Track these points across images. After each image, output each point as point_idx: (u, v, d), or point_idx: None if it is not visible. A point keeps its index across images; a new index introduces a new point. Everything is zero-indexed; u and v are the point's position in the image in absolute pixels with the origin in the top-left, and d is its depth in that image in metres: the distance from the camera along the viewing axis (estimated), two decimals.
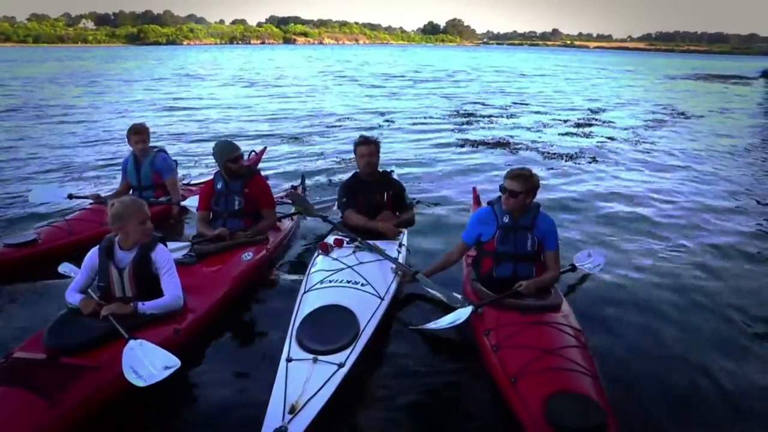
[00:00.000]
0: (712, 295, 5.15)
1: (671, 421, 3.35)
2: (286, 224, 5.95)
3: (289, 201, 6.27)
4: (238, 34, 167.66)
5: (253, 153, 8.44)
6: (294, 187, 7.26)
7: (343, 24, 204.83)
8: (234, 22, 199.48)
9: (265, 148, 9.30)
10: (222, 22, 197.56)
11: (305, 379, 3.10)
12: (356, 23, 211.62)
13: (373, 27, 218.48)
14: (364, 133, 5.44)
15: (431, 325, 3.99)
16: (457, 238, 4.67)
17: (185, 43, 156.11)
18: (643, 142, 14.04)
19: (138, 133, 6.33)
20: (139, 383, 3.01)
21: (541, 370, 3.20)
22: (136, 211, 3.69)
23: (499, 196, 4.26)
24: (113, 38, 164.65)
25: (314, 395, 2.98)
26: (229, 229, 5.08)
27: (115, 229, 3.70)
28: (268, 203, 5.42)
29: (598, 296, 5.08)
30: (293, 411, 2.84)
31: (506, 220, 4.22)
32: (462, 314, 3.87)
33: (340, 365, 3.24)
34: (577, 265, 5.23)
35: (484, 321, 3.82)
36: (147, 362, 3.12)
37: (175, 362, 3.15)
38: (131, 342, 3.25)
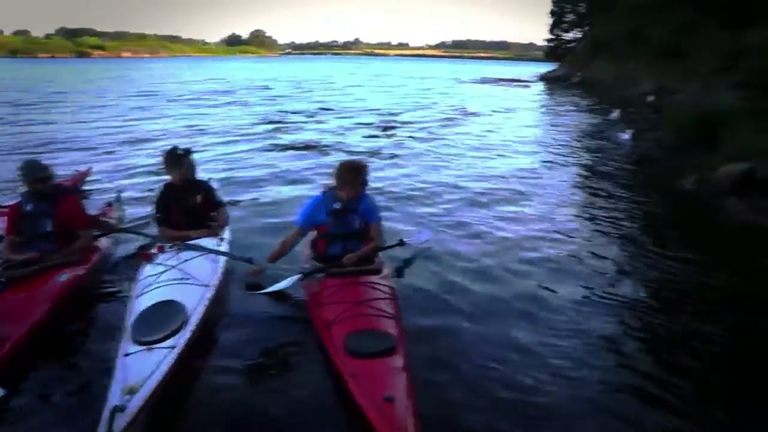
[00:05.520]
0: (515, 272, 6.04)
1: (454, 358, 4.22)
2: (104, 242, 5.80)
3: (107, 218, 6.29)
4: (21, 47, 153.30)
5: (77, 172, 8.07)
6: (109, 204, 7.12)
7: (142, 36, 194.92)
8: (16, 33, 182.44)
9: (90, 168, 8.94)
10: (0, 32, 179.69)
11: (141, 366, 3.31)
12: (155, 35, 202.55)
13: (174, 39, 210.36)
14: (177, 145, 5.57)
15: (266, 290, 4.68)
16: (276, 227, 5.88)
17: None
18: (438, 138, 15.44)
19: None
20: None
21: (350, 316, 3.94)
22: None
23: (331, 186, 4.93)
24: None
25: (150, 376, 3.20)
26: (40, 252, 4.89)
27: None
28: (81, 223, 5.31)
29: (423, 266, 5.92)
30: (131, 392, 2.98)
31: (337, 206, 4.87)
32: (291, 280, 4.63)
33: (172, 348, 3.51)
34: (405, 240, 5.83)
35: (314, 288, 4.63)
36: None
37: None
38: None
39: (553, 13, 63.95)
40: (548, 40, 66.64)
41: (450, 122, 19.18)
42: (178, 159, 5.36)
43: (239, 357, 4.12)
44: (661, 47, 25.56)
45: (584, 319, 4.95)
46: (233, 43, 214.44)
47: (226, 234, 5.74)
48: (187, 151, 5.45)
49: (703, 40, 20.59)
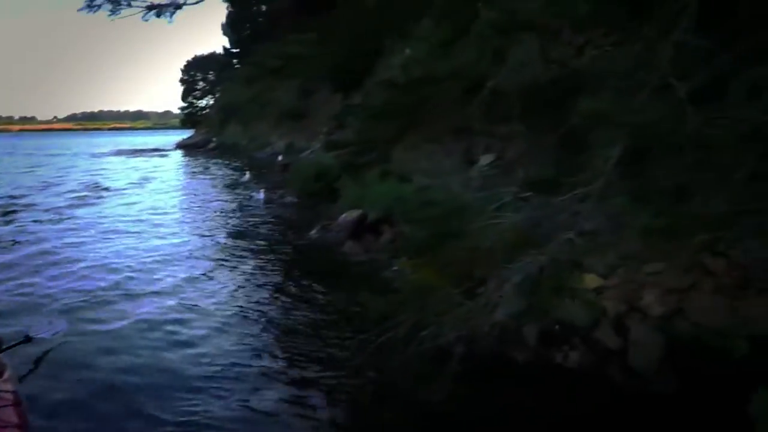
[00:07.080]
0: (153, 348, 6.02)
1: None
2: None
3: None
4: None
5: None
6: None
7: None
8: None
9: None
10: None
11: None
12: None
13: None
14: None
15: None
16: None
17: None
18: (68, 218, 14.56)
19: None
20: None
21: None
22: None
23: None
24: None
25: None
26: None
27: None
28: None
29: (58, 360, 5.55)
30: None
31: None
32: None
33: None
34: (33, 335, 5.44)
35: None
36: None
37: None
38: None
39: (183, 81, 65.06)
40: (182, 108, 67.48)
41: (81, 201, 18.08)
42: None
43: None
44: (285, 110, 27.72)
45: (231, 374, 5.36)
46: None
47: None
48: None
49: (320, 103, 22.97)
